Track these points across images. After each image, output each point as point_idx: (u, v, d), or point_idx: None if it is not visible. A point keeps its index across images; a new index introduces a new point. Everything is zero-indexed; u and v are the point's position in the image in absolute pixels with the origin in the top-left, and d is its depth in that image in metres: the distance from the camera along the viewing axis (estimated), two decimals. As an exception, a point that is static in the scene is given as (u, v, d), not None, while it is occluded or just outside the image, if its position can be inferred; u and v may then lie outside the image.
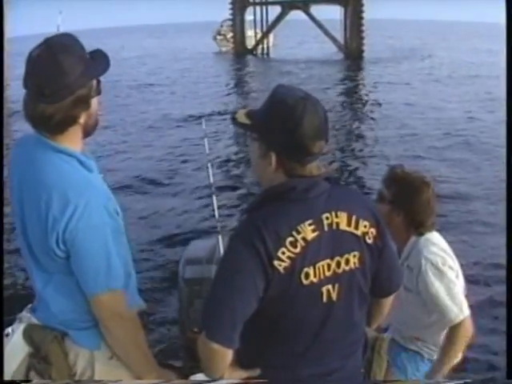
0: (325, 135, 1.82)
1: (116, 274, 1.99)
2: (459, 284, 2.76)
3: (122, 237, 2.07)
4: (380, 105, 18.76)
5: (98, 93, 2.03)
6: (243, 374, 1.90)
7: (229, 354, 1.79)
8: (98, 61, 2.02)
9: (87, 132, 2.06)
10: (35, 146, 2.01)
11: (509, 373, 2.66)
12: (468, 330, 2.72)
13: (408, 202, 2.78)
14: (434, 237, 2.84)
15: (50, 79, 1.88)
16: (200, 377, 2.33)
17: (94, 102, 2.02)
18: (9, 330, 2.31)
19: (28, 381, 2.22)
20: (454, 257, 2.82)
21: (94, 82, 2.00)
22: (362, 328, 2.01)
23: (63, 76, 1.88)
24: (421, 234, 2.82)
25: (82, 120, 1.98)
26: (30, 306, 2.28)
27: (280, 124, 1.78)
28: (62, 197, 1.90)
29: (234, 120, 1.90)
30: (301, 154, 1.80)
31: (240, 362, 1.88)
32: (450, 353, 2.73)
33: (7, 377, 2.31)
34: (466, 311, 2.71)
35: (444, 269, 2.72)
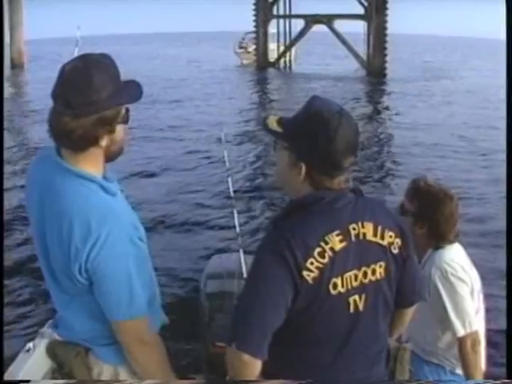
0: (355, 150, 1.87)
1: (138, 302, 1.98)
2: (468, 299, 2.76)
3: (145, 263, 2.06)
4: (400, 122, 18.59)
5: (126, 121, 2.00)
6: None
7: (258, 366, 1.81)
8: (131, 89, 2.00)
9: (109, 157, 2.03)
10: (54, 170, 1.98)
11: (509, 373, 2.66)
12: (473, 345, 2.72)
13: (432, 215, 2.80)
14: (453, 248, 2.85)
15: (79, 92, 1.86)
16: None
17: (120, 129, 1.98)
18: (30, 345, 2.34)
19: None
20: (468, 270, 2.82)
21: (123, 109, 1.98)
22: (385, 338, 2.05)
23: (92, 92, 1.86)
24: (440, 247, 2.83)
25: (103, 143, 1.94)
26: (51, 321, 2.32)
27: (313, 136, 1.80)
28: (83, 226, 1.89)
29: (265, 126, 1.92)
30: (331, 168, 1.83)
31: (267, 374, 1.87)
32: (466, 366, 2.74)
33: None
34: (471, 327, 2.72)
35: (452, 279, 2.74)
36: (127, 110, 2.00)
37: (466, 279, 2.77)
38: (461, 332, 2.72)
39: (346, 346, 1.89)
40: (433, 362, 2.92)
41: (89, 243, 1.88)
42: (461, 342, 2.74)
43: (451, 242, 2.85)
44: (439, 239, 2.83)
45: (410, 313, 2.17)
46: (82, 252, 1.89)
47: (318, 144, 1.80)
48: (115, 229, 1.91)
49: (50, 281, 2.07)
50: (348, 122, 1.83)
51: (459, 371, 2.83)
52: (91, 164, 1.98)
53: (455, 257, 2.82)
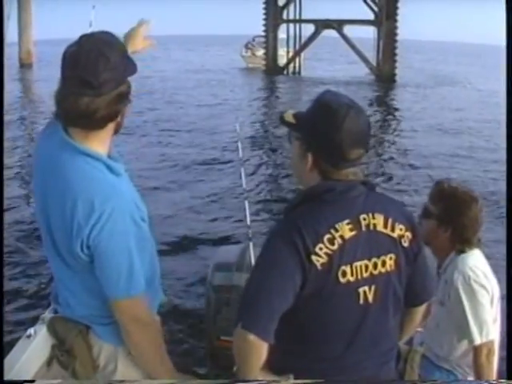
0: (364, 144, 1.88)
1: (137, 281, 2.01)
2: (488, 307, 2.69)
3: (146, 243, 2.08)
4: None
5: (130, 93, 2.04)
6: (275, 378, 1.88)
7: (264, 349, 1.79)
8: (131, 61, 2.05)
9: (115, 131, 2.07)
10: (60, 147, 1.99)
11: (509, 373, 2.62)
12: (487, 354, 2.66)
13: (457, 218, 2.73)
14: (474, 253, 2.78)
15: (99, 71, 1.88)
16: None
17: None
18: (31, 330, 2.38)
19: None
20: (490, 278, 2.75)
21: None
22: (395, 337, 2.02)
23: (111, 70, 1.90)
24: (463, 252, 2.76)
25: (119, 117, 2.01)
26: (52, 306, 2.31)
27: (320, 126, 1.84)
28: (87, 204, 1.91)
29: (281, 119, 1.97)
30: (337, 159, 1.86)
31: (271, 366, 1.87)
32: (478, 375, 2.67)
33: (28, 377, 2.35)
34: (488, 336, 2.66)
35: (474, 286, 2.67)
36: (129, 84, 2.04)
37: (487, 286, 2.73)
38: (477, 340, 2.68)
39: (356, 340, 1.88)
40: (445, 368, 2.86)
41: (91, 220, 1.91)
42: (476, 350, 2.69)
43: (474, 247, 2.81)
44: (463, 243, 2.79)
45: (420, 312, 2.16)
46: (84, 228, 1.91)
47: (324, 134, 1.84)
48: (118, 207, 1.94)
49: (53, 253, 2.08)
50: (357, 115, 1.85)
51: (471, 379, 2.79)
52: (99, 142, 2.02)
53: (478, 263, 2.78)
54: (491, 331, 2.70)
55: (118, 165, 2.06)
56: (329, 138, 1.83)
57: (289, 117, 1.97)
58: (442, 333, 2.84)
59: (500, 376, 2.79)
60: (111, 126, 2.02)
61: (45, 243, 2.11)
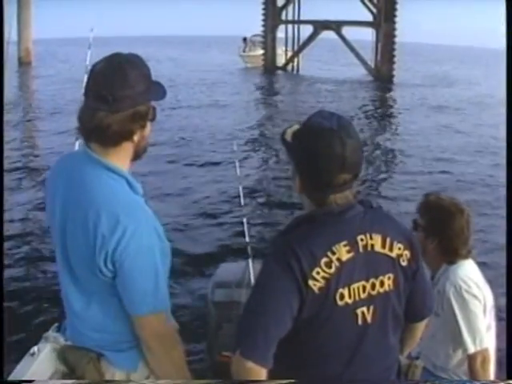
0: (351, 169, 1.81)
1: (162, 295, 2.00)
2: (481, 316, 2.73)
3: (167, 259, 2.06)
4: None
5: (153, 118, 2.04)
6: None
7: (263, 374, 1.78)
8: (159, 87, 2.04)
9: (136, 154, 2.06)
10: (84, 162, 1.99)
11: (509, 373, 2.64)
12: (482, 363, 2.70)
13: (441, 229, 2.77)
14: (466, 264, 2.82)
15: (114, 88, 1.88)
16: None
17: (149, 125, 2.04)
18: (34, 349, 2.33)
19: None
20: (483, 287, 2.79)
21: (151, 106, 2.02)
22: (396, 353, 2.01)
23: (127, 87, 1.90)
24: (453, 263, 2.80)
25: (136, 138, 1.99)
26: (56, 324, 2.31)
27: (302, 150, 1.82)
28: (111, 216, 1.89)
29: (281, 136, 1.92)
30: (320, 184, 1.82)
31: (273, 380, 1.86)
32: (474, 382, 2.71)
33: None
34: (482, 344, 2.70)
35: (466, 296, 2.71)
36: (154, 109, 2.04)
37: (479, 296, 2.75)
38: (471, 349, 2.72)
39: (355, 359, 1.86)
40: (443, 378, 2.88)
41: (117, 233, 1.88)
42: (471, 358, 2.74)
43: (464, 258, 2.82)
44: (451, 254, 2.81)
45: (421, 328, 2.17)
46: (109, 241, 1.88)
47: (304, 158, 1.81)
48: (143, 221, 1.93)
49: (67, 278, 2.06)
50: (341, 140, 1.77)
51: None
52: (120, 159, 2.00)
53: (469, 273, 2.79)
54: (485, 339, 2.72)
55: (137, 185, 2.06)
56: (308, 163, 1.80)
57: (288, 135, 1.90)
58: (437, 343, 2.87)
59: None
60: (128, 146, 2.00)
61: (59, 266, 2.08)
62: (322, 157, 1.77)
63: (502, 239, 3.47)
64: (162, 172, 11.76)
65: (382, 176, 12.65)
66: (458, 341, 2.75)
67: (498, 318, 2.97)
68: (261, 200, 10.22)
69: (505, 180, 3.60)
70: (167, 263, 2.07)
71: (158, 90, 2.03)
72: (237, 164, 4.94)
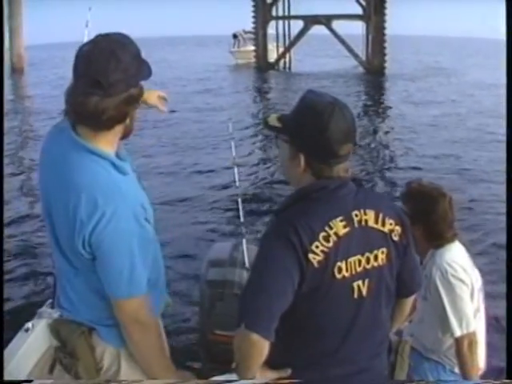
0: (352, 138, 1.92)
1: (139, 281, 2.00)
2: (467, 299, 2.78)
3: (150, 244, 2.06)
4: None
5: (141, 97, 2.04)
6: (274, 374, 1.94)
7: (266, 347, 1.83)
8: (146, 65, 2.03)
9: (125, 134, 2.07)
10: (68, 145, 1.99)
11: (509, 373, 2.66)
12: (469, 345, 2.75)
13: (425, 214, 2.82)
14: (453, 247, 2.87)
15: (109, 73, 1.86)
16: (219, 379, 2.40)
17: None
18: (29, 324, 2.38)
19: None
20: (470, 271, 2.83)
21: (141, 86, 2.02)
22: (387, 328, 2.10)
23: (121, 71, 1.88)
24: (440, 246, 2.85)
25: (128, 120, 2.00)
26: (50, 301, 2.35)
27: (308, 128, 1.88)
28: (90, 201, 1.91)
29: (265, 124, 2.00)
30: (328, 157, 1.90)
31: (270, 362, 1.91)
32: (462, 366, 2.77)
33: (26, 371, 2.35)
34: (468, 328, 2.74)
35: (452, 280, 2.76)
36: (142, 87, 2.02)
37: (466, 280, 2.79)
38: (457, 332, 2.75)
39: (350, 334, 1.93)
40: (433, 359, 2.94)
41: (94, 218, 1.90)
42: (458, 342, 2.76)
43: (450, 241, 2.87)
44: (437, 239, 2.86)
45: (409, 303, 2.21)
46: (86, 226, 1.91)
47: (313, 135, 1.87)
48: (121, 206, 1.93)
49: (57, 251, 2.08)
50: (341, 112, 1.88)
51: (458, 370, 2.86)
52: (107, 142, 2.01)
53: (456, 257, 2.84)
54: (471, 323, 2.75)
55: (125, 164, 2.05)
56: (318, 138, 1.86)
57: (273, 120, 1.98)
58: (426, 326, 2.91)
59: (496, 373, 2.87)
60: (119, 128, 2.00)
61: (50, 242, 2.10)
62: (330, 129, 1.84)
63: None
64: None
65: (378, 169, 12.71)
66: (445, 324, 2.79)
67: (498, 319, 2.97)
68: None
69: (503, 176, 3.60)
70: (151, 249, 2.08)
71: (146, 69, 2.02)
72: (232, 144, 4.89)
